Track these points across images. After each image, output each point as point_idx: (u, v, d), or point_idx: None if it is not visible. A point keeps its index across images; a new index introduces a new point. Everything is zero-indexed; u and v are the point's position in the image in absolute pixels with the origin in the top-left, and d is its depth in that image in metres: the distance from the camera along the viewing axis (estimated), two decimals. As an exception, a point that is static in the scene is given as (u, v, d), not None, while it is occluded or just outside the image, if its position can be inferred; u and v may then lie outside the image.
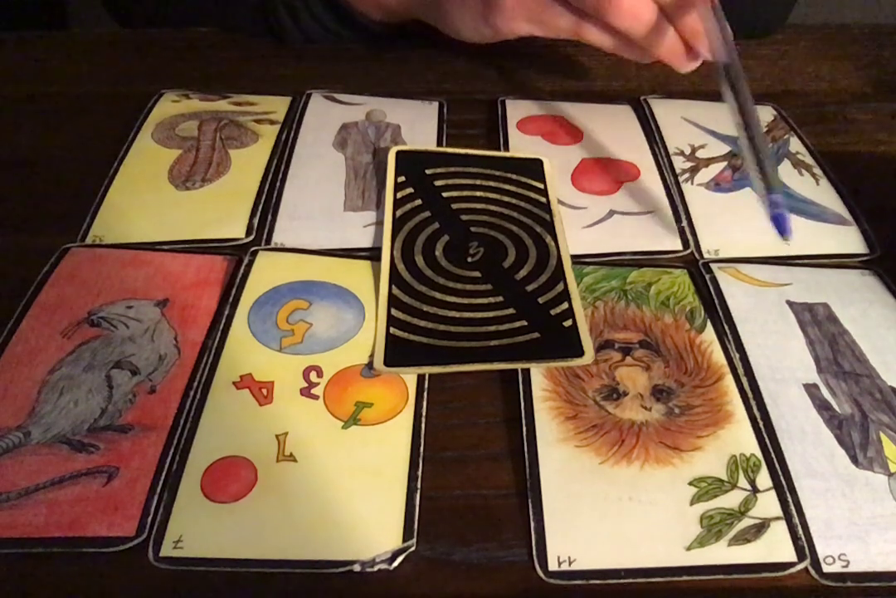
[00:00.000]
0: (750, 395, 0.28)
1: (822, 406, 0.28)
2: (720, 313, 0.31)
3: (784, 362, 0.30)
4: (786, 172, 0.39)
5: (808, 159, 0.41)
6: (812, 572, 0.24)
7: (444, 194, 0.36)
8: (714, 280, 0.33)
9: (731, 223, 0.36)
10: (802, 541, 0.24)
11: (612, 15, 0.34)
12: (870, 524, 0.25)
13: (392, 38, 0.47)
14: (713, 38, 0.34)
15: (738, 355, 0.30)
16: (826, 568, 0.24)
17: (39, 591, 0.23)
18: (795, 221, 0.36)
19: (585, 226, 0.36)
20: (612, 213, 0.36)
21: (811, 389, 0.29)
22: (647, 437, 0.27)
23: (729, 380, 0.29)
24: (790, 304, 0.32)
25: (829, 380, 0.29)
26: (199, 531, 0.24)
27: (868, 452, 0.26)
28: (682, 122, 0.43)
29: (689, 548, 0.24)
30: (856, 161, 0.41)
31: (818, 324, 0.31)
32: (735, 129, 0.32)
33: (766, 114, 0.44)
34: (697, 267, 0.34)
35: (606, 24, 0.35)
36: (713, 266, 0.34)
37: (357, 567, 0.23)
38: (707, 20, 0.35)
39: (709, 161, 0.40)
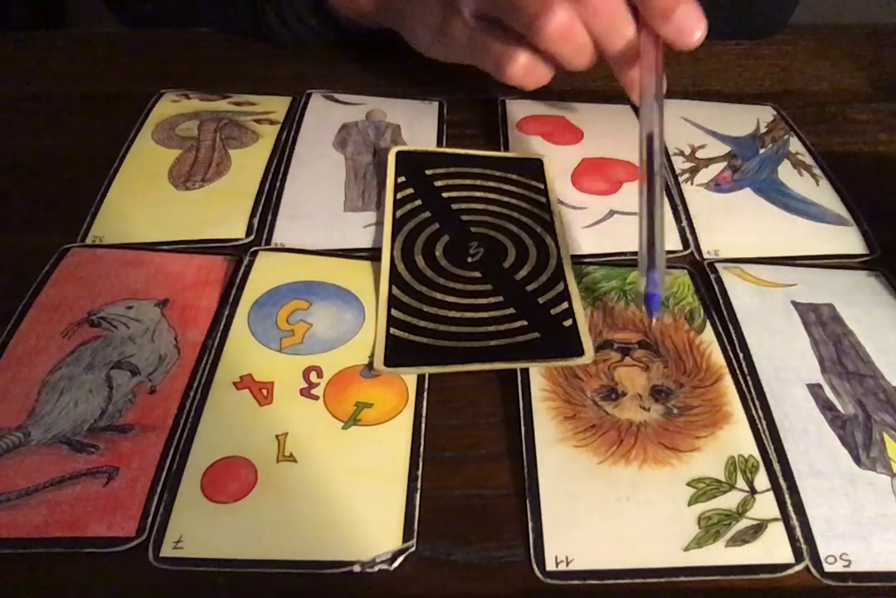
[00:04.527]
0: (753, 395, 0.28)
1: (826, 406, 0.28)
2: (725, 313, 0.31)
3: (788, 362, 0.30)
4: (786, 172, 0.39)
5: (808, 159, 0.41)
6: (813, 571, 0.23)
7: (444, 195, 0.36)
8: (719, 280, 0.33)
9: (731, 223, 0.36)
10: (800, 542, 0.24)
11: (540, 37, 0.33)
12: (872, 523, 0.25)
13: (391, 39, 0.47)
14: (644, 104, 0.33)
15: (742, 355, 0.30)
16: (828, 568, 0.24)
17: (39, 591, 0.23)
18: (795, 222, 0.36)
19: (585, 226, 0.36)
20: (612, 213, 0.36)
21: (815, 389, 0.29)
22: (645, 437, 0.27)
23: (728, 381, 0.29)
24: (795, 304, 0.32)
25: (832, 380, 0.29)
26: (199, 531, 0.24)
27: (871, 452, 0.26)
28: (682, 122, 0.43)
29: (686, 549, 0.24)
30: (856, 161, 0.41)
31: (823, 324, 0.31)
32: (639, 200, 0.30)
33: (766, 114, 0.44)
34: (702, 267, 0.34)
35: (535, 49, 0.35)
36: (718, 266, 0.33)
37: (357, 568, 0.23)
38: (645, 80, 0.33)
39: (708, 161, 0.40)
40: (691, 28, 0.32)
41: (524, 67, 0.35)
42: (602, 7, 0.33)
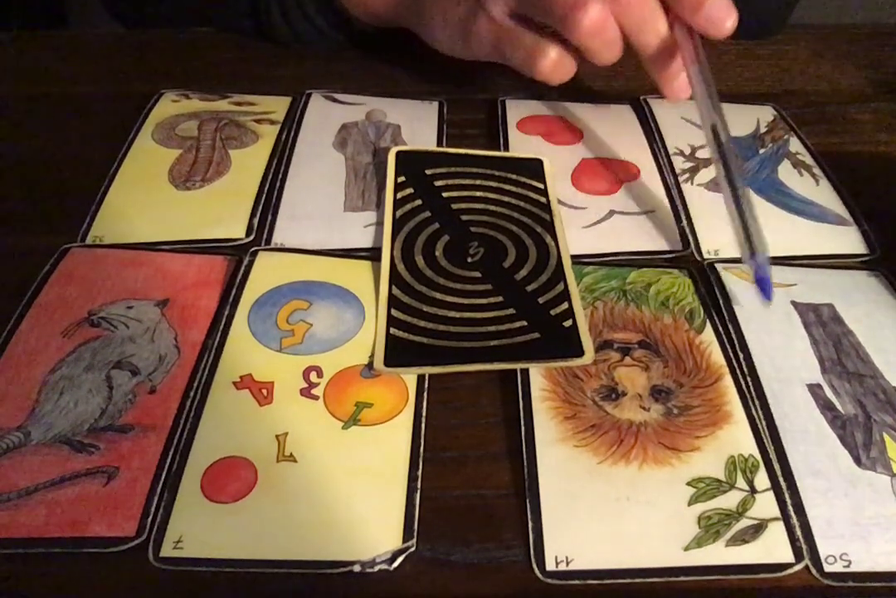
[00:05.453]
0: (753, 395, 0.28)
1: (826, 406, 0.28)
2: (724, 313, 0.31)
3: (788, 362, 0.30)
4: (786, 172, 0.39)
5: (808, 159, 0.41)
6: (813, 571, 0.24)
7: (444, 194, 0.36)
8: (719, 280, 0.33)
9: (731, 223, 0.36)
10: (800, 542, 0.24)
11: (573, 31, 0.33)
12: (872, 524, 0.25)
13: (391, 39, 0.47)
14: (698, 96, 0.34)
15: (742, 355, 0.30)
16: (828, 568, 0.24)
17: (39, 591, 0.23)
18: (795, 221, 0.36)
19: (585, 226, 0.36)
20: (612, 213, 0.36)
21: (815, 389, 0.29)
22: (645, 437, 0.27)
23: (728, 381, 0.29)
24: (795, 304, 0.32)
25: (832, 380, 0.29)
26: (199, 531, 0.24)
27: (871, 452, 0.26)
28: (682, 122, 0.43)
29: (686, 548, 0.24)
30: (856, 161, 0.41)
31: (823, 325, 0.31)
32: (721, 190, 0.32)
33: (766, 114, 0.44)
34: (702, 267, 0.34)
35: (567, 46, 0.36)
36: (718, 266, 0.33)
37: (357, 568, 0.23)
38: (691, 72, 0.34)
39: (709, 161, 0.40)
40: (722, 18, 0.33)
41: (554, 63, 0.36)
42: (634, 1, 0.33)
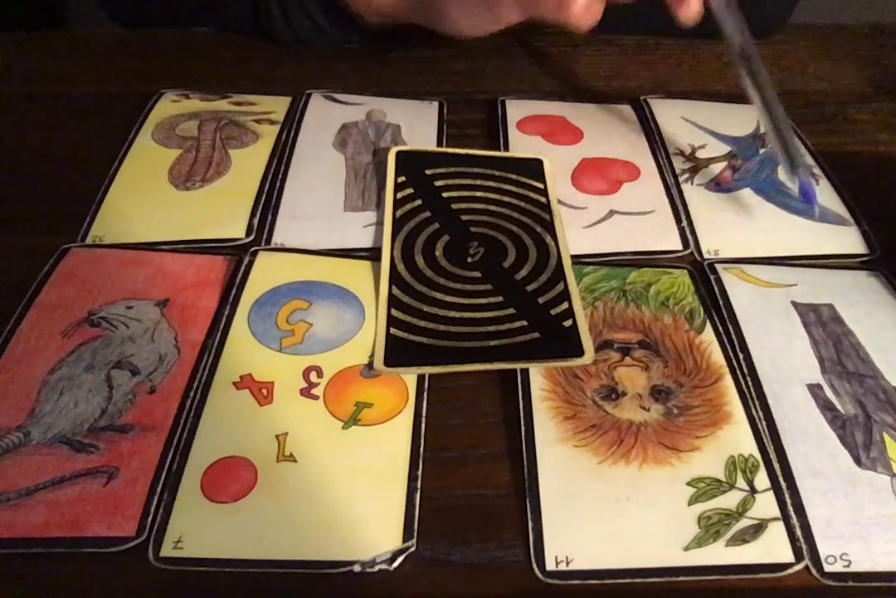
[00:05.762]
0: (753, 395, 0.28)
1: (826, 406, 0.28)
2: (724, 313, 0.31)
3: (788, 362, 0.30)
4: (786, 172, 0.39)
5: (808, 159, 0.40)
6: (814, 571, 0.24)
7: (444, 194, 0.36)
8: (719, 280, 0.33)
9: (730, 223, 0.36)
10: (800, 542, 0.24)
11: None
12: (872, 524, 0.25)
13: (391, 39, 0.47)
14: (728, 23, 0.35)
15: (741, 355, 0.30)
16: (828, 568, 0.24)
17: (39, 591, 0.23)
18: (795, 221, 0.36)
19: (585, 226, 0.36)
20: (612, 213, 0.36)
21: (815, 389, 0.29)
22: (645, 437, 0.27)
23: (728, 381, 0.29)
24: (795, 305, 0.32)
25: (832, 380, 0.29)
26: (199, 531, 0.24)
27: (871, 452, 0.26)
28: (682, 122, 0.43)
29: (686, 548, 0.24)
30: (856, 161, 0.41)
31: (823, 325, 0.31)
32: (755, 106, 0.33)
33: (766, 114, 0.44)
34: (702, 267, 0.34)
35: None
36: (718, 266, 0.34)
37: (357, 568, 0.23)
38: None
39: (709, 161, 0.40)
40: None
41: (585, 4, 0.36)
42: None
